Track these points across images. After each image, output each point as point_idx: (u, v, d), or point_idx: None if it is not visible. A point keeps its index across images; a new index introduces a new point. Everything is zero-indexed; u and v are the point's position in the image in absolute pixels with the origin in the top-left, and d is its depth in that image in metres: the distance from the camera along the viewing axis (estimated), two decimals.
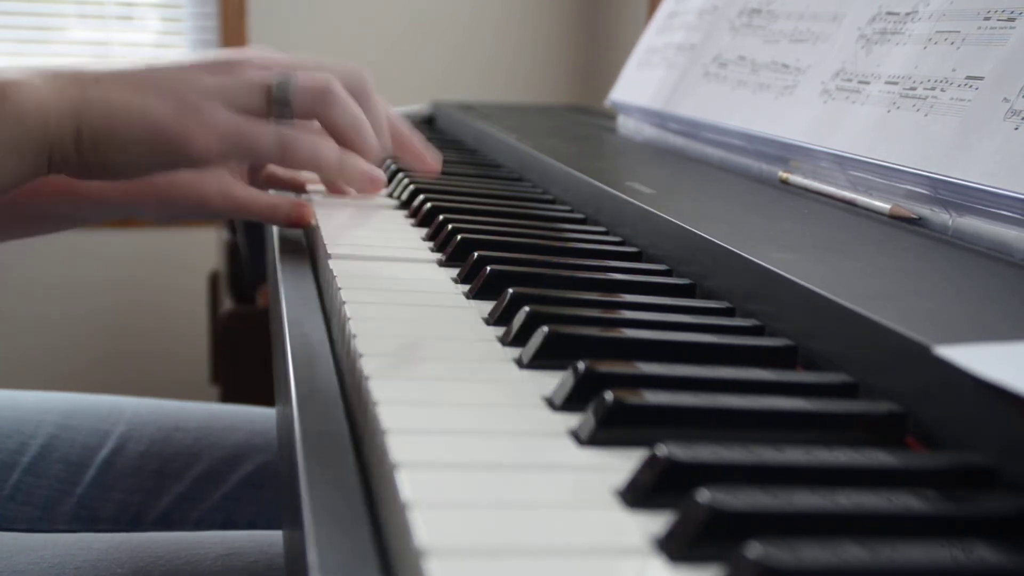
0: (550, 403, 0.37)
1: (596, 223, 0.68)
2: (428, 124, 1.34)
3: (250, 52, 0.53)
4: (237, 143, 0.49)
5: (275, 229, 0.67)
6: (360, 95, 0.54)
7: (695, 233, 0.53)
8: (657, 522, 0.28)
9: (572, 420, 0.35)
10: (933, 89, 0.59)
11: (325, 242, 0.58)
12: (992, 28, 0.57)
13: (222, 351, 2.03)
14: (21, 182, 0.49)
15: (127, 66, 0.50)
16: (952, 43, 0.59)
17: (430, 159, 0.59)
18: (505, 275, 0.51)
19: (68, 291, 2.48)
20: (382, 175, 0.52)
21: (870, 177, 0.62)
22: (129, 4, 2.48)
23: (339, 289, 0.49)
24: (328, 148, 0.51)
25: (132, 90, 0.48)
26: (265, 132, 0.49)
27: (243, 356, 1.95)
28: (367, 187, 0.52)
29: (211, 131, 0.48)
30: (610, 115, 1.18)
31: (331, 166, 0.51)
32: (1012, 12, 0.56)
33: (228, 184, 0.59)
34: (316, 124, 0.54)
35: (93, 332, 2.53)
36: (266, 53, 0.54)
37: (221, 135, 0.48)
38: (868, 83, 0.66)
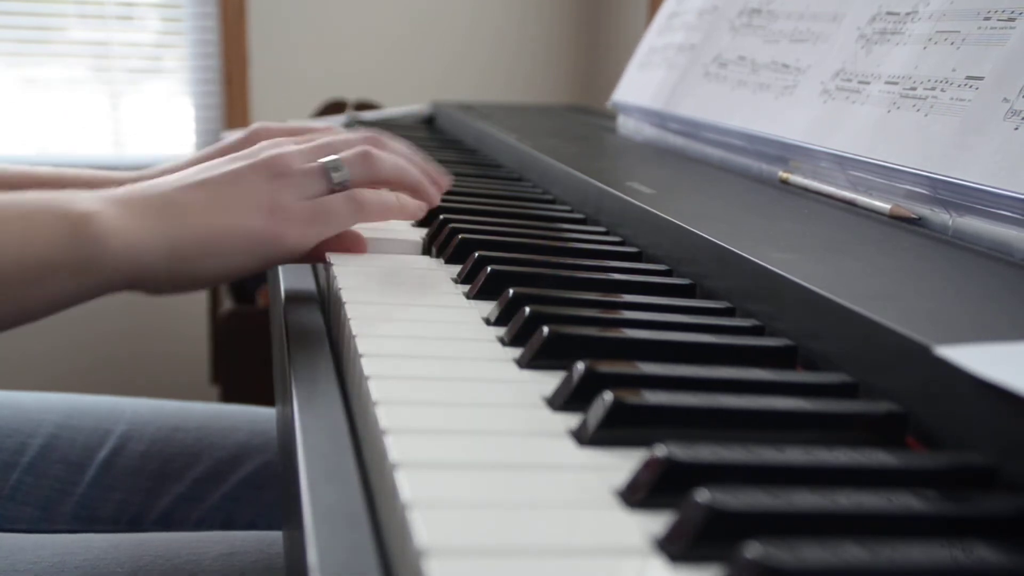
0: (550, 403, 0.37)
1: (596, 223, 0.68)
2: (428, 124, 1.34)
3: (272, 145, 0.56)
4: (322, 222, 0.54)
5: None
6: (382, 147, 0.60)
7: (695, 233, 0.53)
8: (657, 522, 0.28)
9: (572, 420, 0.35)
10: (933, 89, 0.59)
11: None
12: (992, 28, 0.57)
13: (222, 351, 2.03)
14: (92, 298, 0.50)
15: (187, 181, 0.52)
16: (952, 43, 0.59)
17: (442, 181, 0.65)
18: (505, 275, 0.51)
19: None
20: (424, 205, 0.62)
21: (870, 177, 0.62)
22: (129, 4, 2.48)
23: (339, 289, 0.49)
24: (387, 195, 0.58)
25: (216, 214, 0.51)
26: (338, 202, 0.54)
27: (243, 356, 1.95)
28: (422, 214, 0.62)
29: (297, 222, 0.53)
30: (610, 115, 1.18)
31: (397, 209, 0.58)
32: (1012, 12, 0.56)
33: None
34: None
35: (93, 332, 2.52)
36: (277, 143, 0.57)
37: (307, 222, 0.53)
38: (868, 83, 0.66)
